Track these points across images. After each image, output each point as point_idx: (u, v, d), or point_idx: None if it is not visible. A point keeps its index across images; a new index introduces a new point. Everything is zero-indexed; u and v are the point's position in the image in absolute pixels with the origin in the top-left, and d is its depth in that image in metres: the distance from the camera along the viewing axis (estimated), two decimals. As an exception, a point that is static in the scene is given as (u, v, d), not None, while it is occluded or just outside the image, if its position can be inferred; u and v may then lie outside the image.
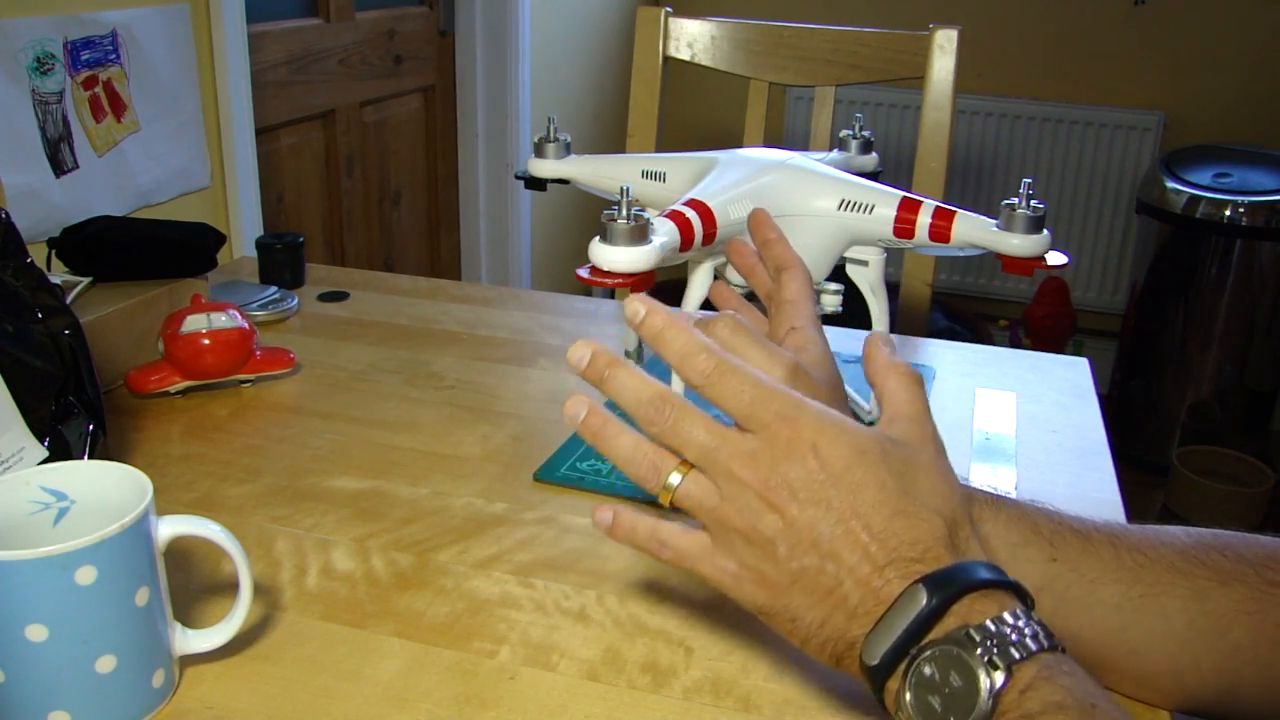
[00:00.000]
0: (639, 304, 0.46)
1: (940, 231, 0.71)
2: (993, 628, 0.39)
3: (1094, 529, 0.51)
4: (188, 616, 0.56)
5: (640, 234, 0.62)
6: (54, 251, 0.90)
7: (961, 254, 0.73)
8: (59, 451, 0.65)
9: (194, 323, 0.82)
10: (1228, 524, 0.55)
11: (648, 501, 0.65)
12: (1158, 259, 2.46)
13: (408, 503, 0.71)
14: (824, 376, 0.50)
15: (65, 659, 0.47)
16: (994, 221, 0.71)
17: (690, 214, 0.67)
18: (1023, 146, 2.77)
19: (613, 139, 2.76)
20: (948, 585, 0.40)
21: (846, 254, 0.76)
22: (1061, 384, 0.94)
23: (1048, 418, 0.87)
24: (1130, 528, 0.52)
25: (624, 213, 0.62)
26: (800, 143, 1.50)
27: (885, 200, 0.73)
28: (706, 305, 0.67)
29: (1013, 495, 0.54)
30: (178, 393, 0.84)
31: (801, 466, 0.42)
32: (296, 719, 0.51)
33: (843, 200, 0.73)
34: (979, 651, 0.38)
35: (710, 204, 0.68)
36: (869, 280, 0.77)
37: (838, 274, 0.76)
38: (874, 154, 0.95)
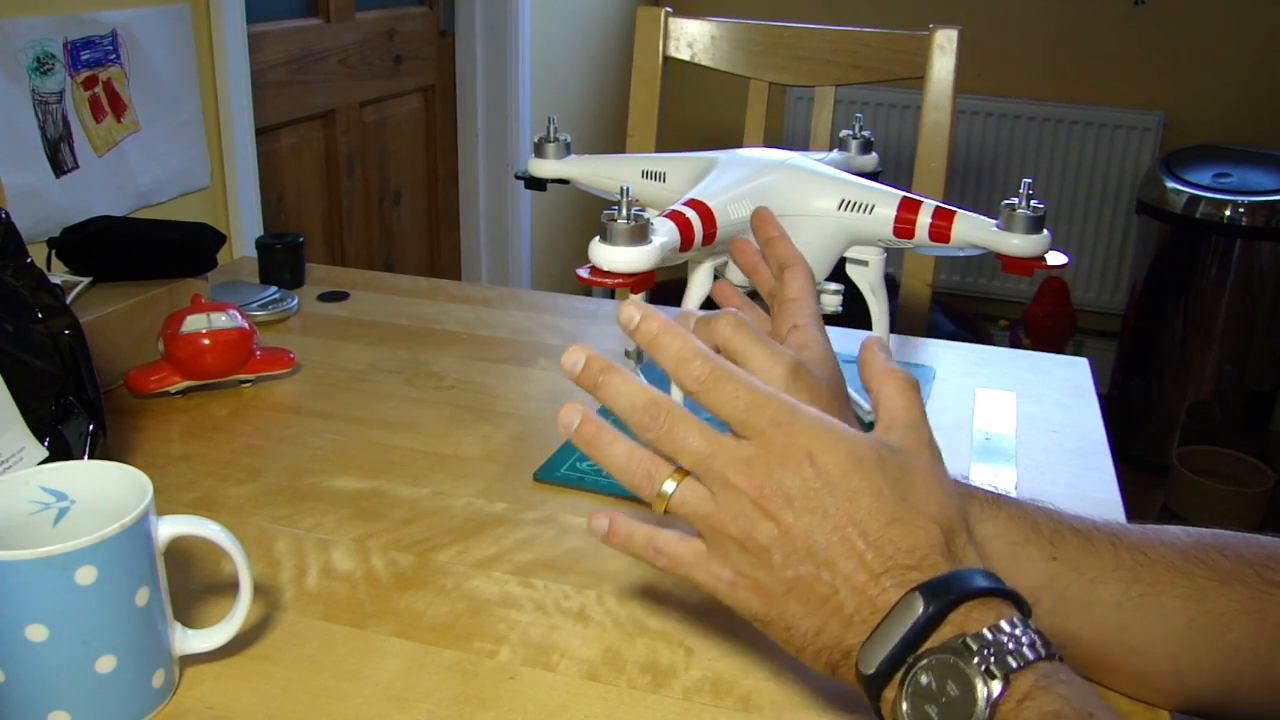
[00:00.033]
0: (633, 309, 0.46)
1: (940, 231, 0.71)
2: (990, 636, 0.38)
3: (1094, 528, 0.51)
4: (188, 616, 0.56)
5: (640, 234, 0.62)
6: (54, 251, 0.90)
7: (961, 254, 0.73)
8: (59, 451, 0.65)
9: (194, 323, 0.82)
10: (1228, 524, 0.55)
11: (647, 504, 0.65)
12: (1158, 259, 2.47)
13: (408, 503, 0.71)
14: (826, 374, 0.50)
15: (65, 659, 0.47)
16: (994, 221, 0.71)
17: (690, 214, 0.67)
18: (1023, 146, 2.77)
19: (613, 139, 2.76)
20: (944, 593, 0.40)
21: (846, 254, 0.76)
22: (1061, 384, 0.94)
23: (1048, 418, 0.87)
24: (1131, 527, 0.52)
25: (624, 213, 0.62)
26: (800, 143, 1.50)
27: (885, 200, 0.73)
28: (707, 305, 0.67)
29: (1013, 495, 0.54)
30: (178, 393, 0.84)
31: (797, 473, 0.42)
32: (296, 719, 0.51)
33: (843, 200, 0.73)
34: (976, 660, 0.38)
35: (710, 204, 0.68)
36: (869, 280, 0.77)
37: (838, 274, 0.76)
38: (874, 154, 0.95)
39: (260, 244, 1.10)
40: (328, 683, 0.53)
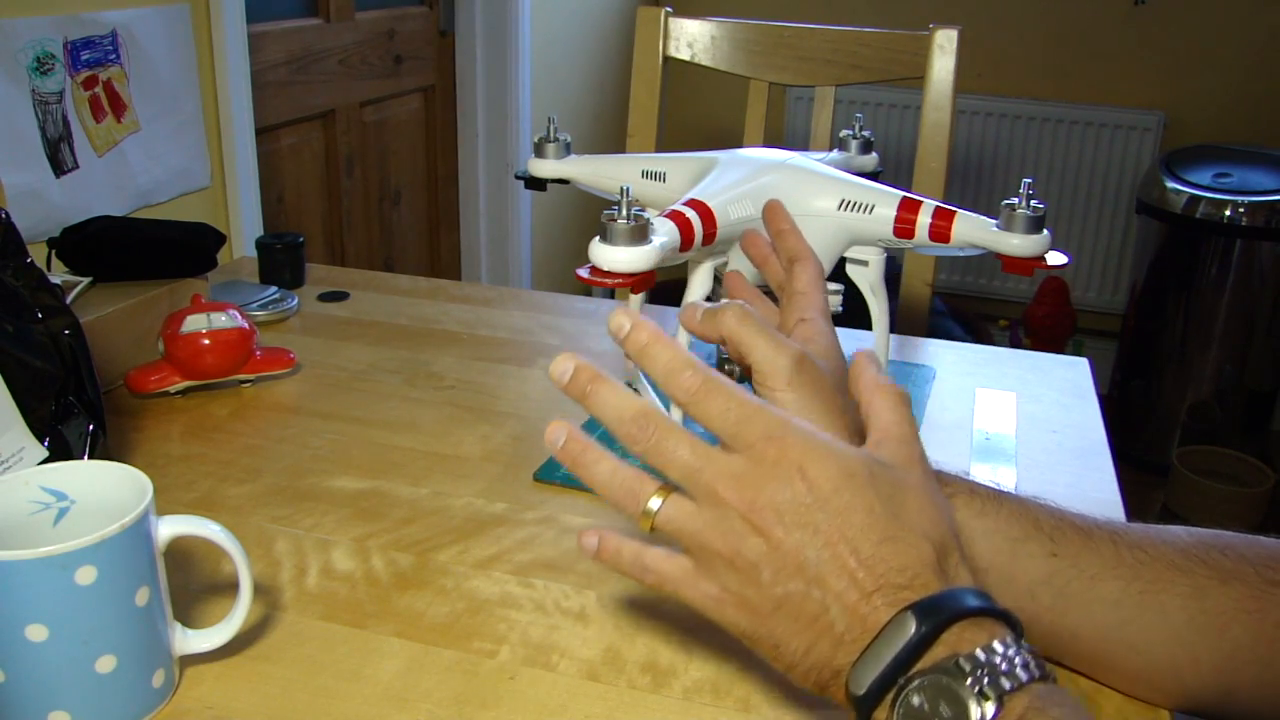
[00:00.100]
0: (624, 317, 0.45)
1: (940, 231, 0.71)
2: (983, 657, 0.38)
3: (1095, 525, 0.51)
4: (188, 616, 0.56)
5: (640, 234, 0.62)
6: (54, 251, 0.90)
7: (961, 254, 0.73)
8: (59, 451, 0.65)
9: (194, 323, 0.82)
10: (1228, 524, 0.55)
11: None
12: (1158, 259, 2.47)
13: (408, 503, 0.71)
14: (831, 368, 0.49)
15: (65, 659, 0.47)
16: (994, 221, 0.71)
17: (690, 214, 0.67)
18: (1023, 146, 2.77)
19: (613, 139, 2.76)
20: (937, 613, 0.39)
21: (846, 254, 0.76)
22: (1061, 384, 0.94)
23: (1048, 418, 0.87)
24: (1132, 526, 0.52)
25: (624, 213, 0.62)
26: (800, 143, 1.50)
27: (885, 200, 0.73)
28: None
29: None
30: (178, 393, 0.84)
31: (788, 488, 0.41)
32: (296, 719, 0.51)
33: (843, 200, 0.73)
34: (969, 682, 0.37)
35: (710, 204, 0.68)
36: (869, 280, 0.77)
37: (838, 274, 0.76)
38: (874, 154, 0.95)
39: (260, 244, 1.10)
40: (328, 683, 0.53)
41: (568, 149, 0.87)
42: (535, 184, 0.88)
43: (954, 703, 0.37)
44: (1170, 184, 2.39)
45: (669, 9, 1.36)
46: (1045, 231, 0.70)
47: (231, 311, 0.84)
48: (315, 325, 1.01)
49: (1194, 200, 2.35)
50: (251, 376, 0.86)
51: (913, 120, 2.74)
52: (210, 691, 0.52)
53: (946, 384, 0.93)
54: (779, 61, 1.33)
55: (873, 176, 0.83)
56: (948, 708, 0.37)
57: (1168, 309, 2.46)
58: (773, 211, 0.62)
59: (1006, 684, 0.37)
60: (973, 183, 2.82)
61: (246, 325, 0.84)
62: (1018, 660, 0.38)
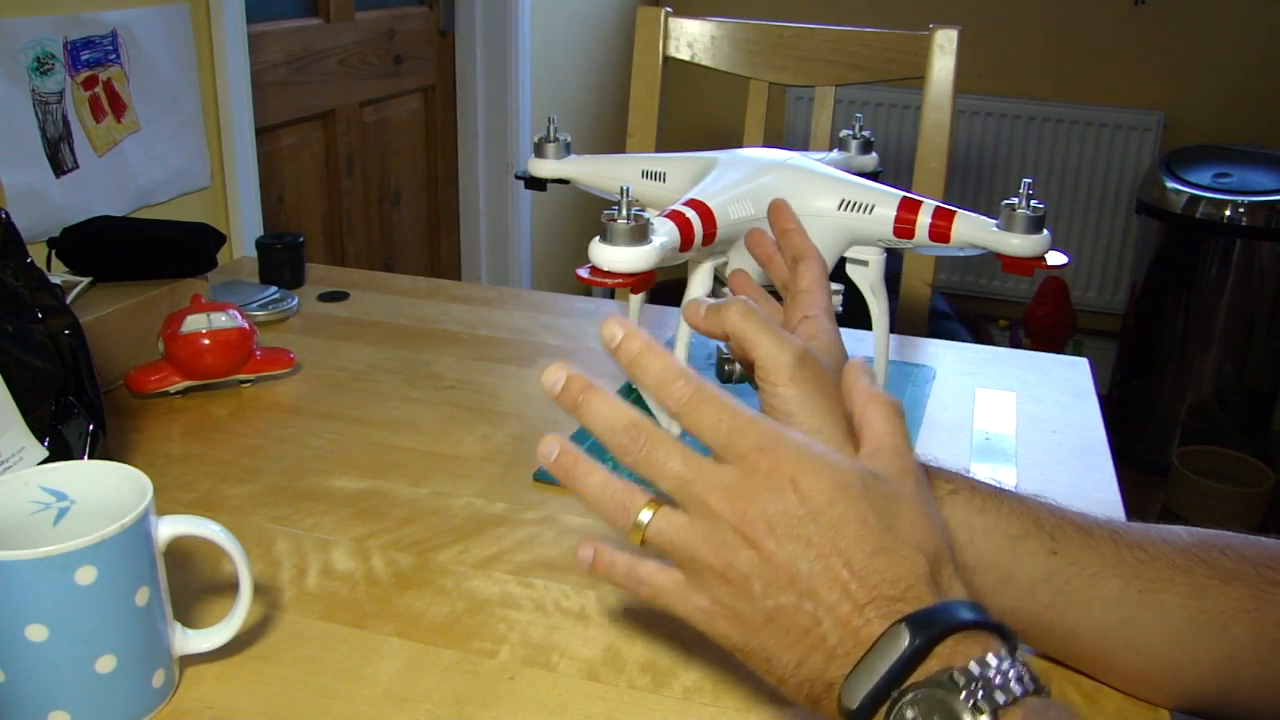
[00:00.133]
0: (616, 326, 0.44)
1: (940, 231, 0.71)
2: (977, 670, 0.37)
3: (1095, 524, 0.51)
4: (188, 616, 0.56)
5: (640, 234, 0.62)
6: (54, 251, 0.90)
7: (961, 254, 0.73)
8: (59, 451, 0.65)
9: (194, 323, 0.82)
10: (1228, 524, 0.55)
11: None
12: (1157, 259, 2.47)
13: (408, 503, 0.71)
14: (833, 365, 0.49)
15: (65, 659, 0.47)
16: (994, 221, 0.71)
17: (690, 214, 0.67)
18: (1023, 146, 2.77)
19: (613, 139, 2.76)
20: (931, 625, 0.38)
21: (847, 254, 0.76)
22: (1061, 384, 0.94)
23: (1048, 418, 0.87)
24: (1132, 525, 0.52)
25: (624, 213, 0.62)
26: (800, 143, 1.50)
27: (885, 200, 0.73)
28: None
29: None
30: (178, 393, 0.84)
31: (780, 500, 0.40)
32: (296, 719, 0.51)
33: (843, 200, 0.73)
34: (964, 696, 0.37)
35: (710, 204, 0.68)
36: (869, 280, 0.77)
37: (838, 274, 0.76)
38: (874, 154, 0.95)
39: (260, 244, 1.10)
40: (328, 683, 0.53)
41: (568, 149, 0.87)
42: (535, 184, 0.88)
43: (948, 717, 0.37)
44: (1170, 184, 2.39)
45: (669, 9, 1.36)
46: (1045, 231, 0.70)
47: (231, 311, 0.84)
48: (315, 325, 1.01)
49: (1194, 200, 2.35)
50: (251, 376, 0.86)
51: (913, 120, 2.74)
52: (210, 691, 0.52)
53: (946, 384, 0.93)
54: (779, 61, 1.33)
55: (873, 176, 0.83)
56: None
57: (1168, 309, 2.46)
58: (778, 211, 0.62)
59: (1001, 698, 0.37)
60: (973, 183, 2.82)
61: (246, 325, 0.84)
62: (1012, 673, 0.38)
